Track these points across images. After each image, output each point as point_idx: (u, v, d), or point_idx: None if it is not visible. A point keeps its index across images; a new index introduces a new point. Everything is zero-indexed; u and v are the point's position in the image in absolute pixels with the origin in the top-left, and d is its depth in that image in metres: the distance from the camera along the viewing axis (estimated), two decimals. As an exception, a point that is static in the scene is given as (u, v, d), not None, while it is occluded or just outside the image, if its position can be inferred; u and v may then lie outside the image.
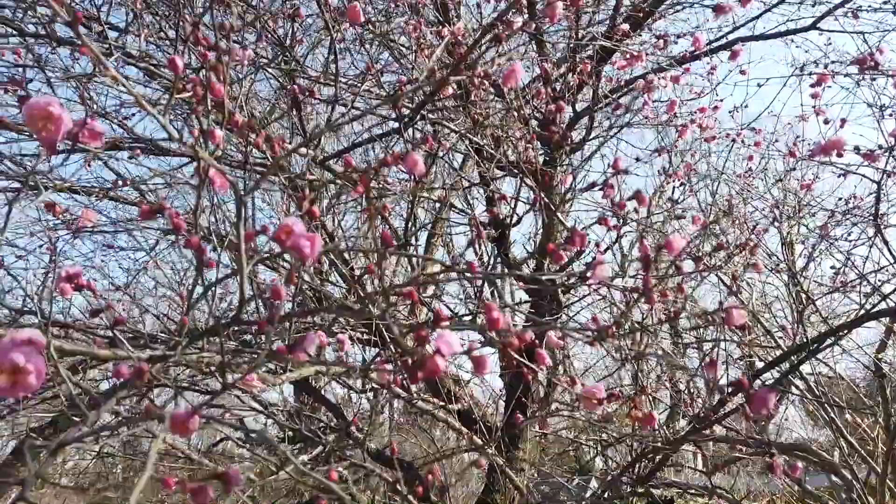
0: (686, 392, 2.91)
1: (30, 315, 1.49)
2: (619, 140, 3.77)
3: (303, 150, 2.31)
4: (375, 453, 3.25)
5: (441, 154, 2.92)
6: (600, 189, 1.89)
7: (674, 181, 2.89)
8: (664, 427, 3.22)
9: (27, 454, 0.65)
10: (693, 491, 2.93)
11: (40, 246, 2.66)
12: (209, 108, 0.80)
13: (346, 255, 3.40)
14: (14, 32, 2.05)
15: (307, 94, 2.36)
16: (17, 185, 2.62)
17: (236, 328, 0.77)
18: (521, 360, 0.79)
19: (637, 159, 3.16)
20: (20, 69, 2.02)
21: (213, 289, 0.96)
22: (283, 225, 0.64)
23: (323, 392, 4.25)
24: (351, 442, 3.01)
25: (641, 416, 0.93)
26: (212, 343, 1.13)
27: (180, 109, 2.46)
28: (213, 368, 1.20)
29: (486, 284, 3.39)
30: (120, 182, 2.47)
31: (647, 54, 3.26)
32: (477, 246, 3.54)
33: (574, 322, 3.01)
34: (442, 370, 0.54)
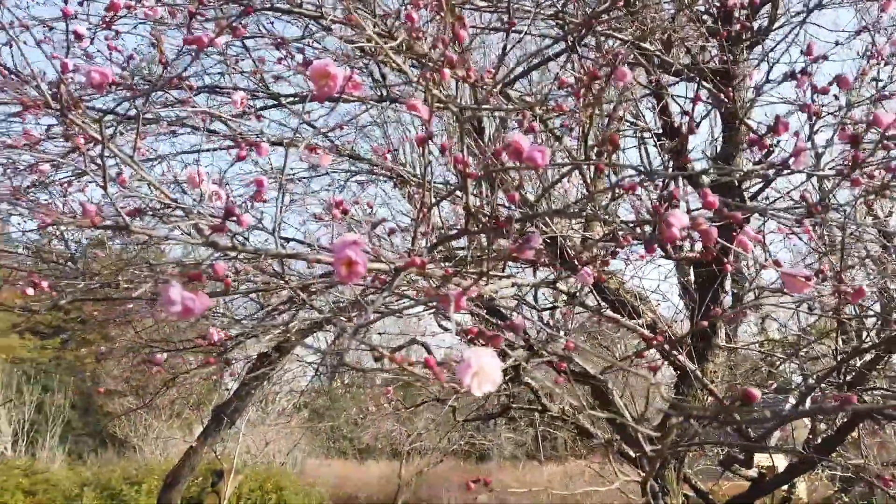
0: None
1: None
2: (810, 25, 3.41)
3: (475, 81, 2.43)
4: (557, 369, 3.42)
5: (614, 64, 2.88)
6: (792, 79, 1.80)
7: (879, 62, 2.58)
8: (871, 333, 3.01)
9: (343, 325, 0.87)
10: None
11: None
12: (429, 50, 0.94)
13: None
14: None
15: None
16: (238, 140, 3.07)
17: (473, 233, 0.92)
18: (721, 242, 0.86)
19: (836, 43, 2.88)
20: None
21: (438, 204, 1.13)
22: (514, 141, 0.77)
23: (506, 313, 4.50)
24: (539, 357, 3.21)
25: (850, 291, 0.96)
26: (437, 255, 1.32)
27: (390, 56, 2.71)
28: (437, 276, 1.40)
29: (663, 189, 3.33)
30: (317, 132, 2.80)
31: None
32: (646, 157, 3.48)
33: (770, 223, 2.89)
34: (677, 238, 0.65)
